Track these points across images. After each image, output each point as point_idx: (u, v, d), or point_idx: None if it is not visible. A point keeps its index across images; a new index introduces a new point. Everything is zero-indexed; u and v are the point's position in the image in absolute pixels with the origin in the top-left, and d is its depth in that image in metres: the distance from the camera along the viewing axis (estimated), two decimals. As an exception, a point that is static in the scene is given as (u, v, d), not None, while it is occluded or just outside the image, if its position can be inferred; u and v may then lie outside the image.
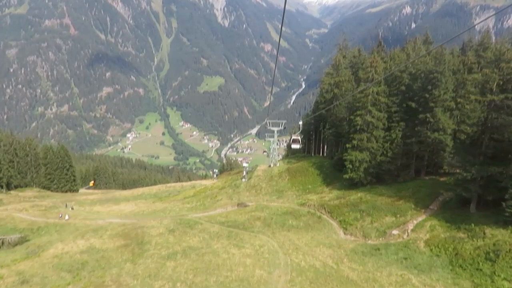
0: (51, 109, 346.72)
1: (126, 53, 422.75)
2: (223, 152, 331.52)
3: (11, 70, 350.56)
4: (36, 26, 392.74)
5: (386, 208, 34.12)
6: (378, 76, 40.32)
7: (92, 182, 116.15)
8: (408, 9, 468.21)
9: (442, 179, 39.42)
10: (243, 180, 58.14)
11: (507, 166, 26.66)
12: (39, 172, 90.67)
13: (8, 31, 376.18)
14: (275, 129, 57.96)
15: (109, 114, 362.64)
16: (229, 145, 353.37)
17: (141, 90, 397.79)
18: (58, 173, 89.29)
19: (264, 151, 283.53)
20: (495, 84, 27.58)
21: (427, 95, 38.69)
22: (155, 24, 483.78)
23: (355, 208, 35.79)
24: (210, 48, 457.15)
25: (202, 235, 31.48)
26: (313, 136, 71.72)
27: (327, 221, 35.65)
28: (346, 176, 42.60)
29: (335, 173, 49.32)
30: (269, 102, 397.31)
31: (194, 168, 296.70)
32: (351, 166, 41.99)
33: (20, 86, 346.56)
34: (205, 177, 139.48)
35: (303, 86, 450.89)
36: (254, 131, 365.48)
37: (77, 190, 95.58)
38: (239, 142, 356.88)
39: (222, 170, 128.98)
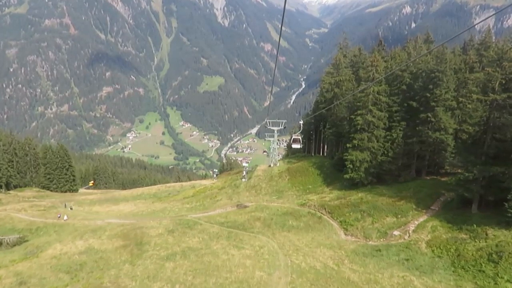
0: (51, 109, 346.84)
1: (126, 52, 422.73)
2: (223, 152, 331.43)
3: (11, 69, 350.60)
4: (36, 26, 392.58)
5: (387, 208, 33.87)
6: (379, 75, 40.05)
7: (92, 182, 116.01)
8: (408, 9, 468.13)
9: (443, 179, 39.22)
10: (243, 180, 57.90)
11: (510, 166, 26.37)
12: (39, 172, 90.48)
13: (8, 30, 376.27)
14: (275, 128, 57.72)
15: (109, 113, 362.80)
16: (229, 145, 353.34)
17: (141, 90, 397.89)
18: (58, 173, 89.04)
19: (264, 151, 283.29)
20: (498, 83, 27.29)
21: (428, 95, 38.45)
22: (155, 23, 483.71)
23: (355, 208, 35.53)
24: (210, 48, 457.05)
25: (201, 235, 31.23)
26: (313, 136, 71.46)
27: (327, 221, 35.39)
28: (347, 176, 42.36)
29: (336, 173, 49.08)
30: (269, 102, 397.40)
31: (194, 168, 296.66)
32: (351, 166, 41.75)
33: (20, 85, 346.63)
34: (205, 177, 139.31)
35: (303, 86, 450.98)
36: (254, 131, 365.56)
37: (76, 190, 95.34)
38: (239, 142, 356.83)
39: (222, 170, 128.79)
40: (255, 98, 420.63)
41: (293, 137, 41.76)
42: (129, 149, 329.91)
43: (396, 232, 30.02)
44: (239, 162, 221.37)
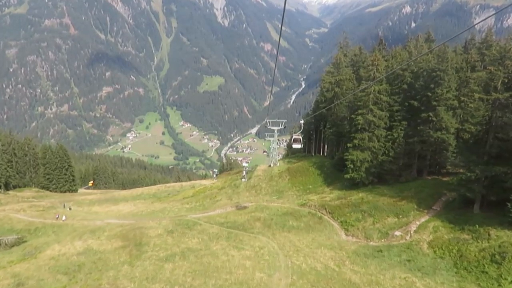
0: (51, 109, 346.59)
1: (126, 52, 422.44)
2: (223, 152, 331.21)
3: (11, 69, 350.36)
4: (36, 26, 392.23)
5: (388, 208, 33.58)
6: (380, 75, 39.77)
7: (91, 182, 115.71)
8: (408, 9, 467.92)
9: (445, 179, 38.94)
10: (243, 180, 57.60)
11: (512, 166, 26.12)
12: (38, 172, 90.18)
13: (8, 30, 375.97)
14: (275, 128, 57.44)
15: (109, 113, 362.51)
16: (229, 144, 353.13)
17: (141, 90, 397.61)
18: (57, 173, 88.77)
19: (264, 151, 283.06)
20: (500, 82, 27.02)
21: (429, 94, 38.18)
22: (155, 23, 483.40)
23: (356, 208, 35.24)
24: (210, 47, 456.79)
25: (201, 236, 30.98)
26: (314, 136, 71.18)
27: (328, 222, 35.10)
28: (347, 176, 42.09)
29: (336, 173, 48.81)
30: (269, 101, 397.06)
31: (194, 167, 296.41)
32: (352, 166, 41.49)
33: (20, 85, 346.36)
34: (204, 177, 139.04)
35: (303, 85, 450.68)
36: (254, 130, 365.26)
37: (76, 190, 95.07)
38: (239, 142, 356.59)
39: (221, 170, 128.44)
40: (255, 98, 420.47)
41: (294, 137, 41.50)
42: (129, 149, 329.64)
43: (397, 233, 29.74)
44: (239, 162, 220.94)
